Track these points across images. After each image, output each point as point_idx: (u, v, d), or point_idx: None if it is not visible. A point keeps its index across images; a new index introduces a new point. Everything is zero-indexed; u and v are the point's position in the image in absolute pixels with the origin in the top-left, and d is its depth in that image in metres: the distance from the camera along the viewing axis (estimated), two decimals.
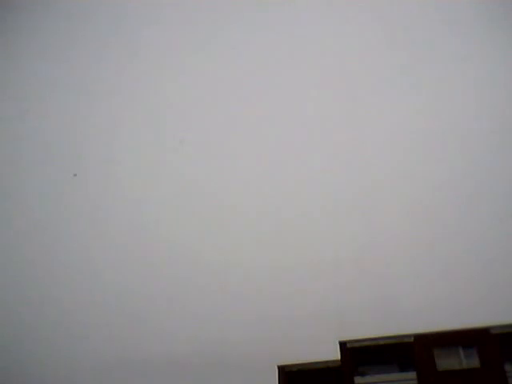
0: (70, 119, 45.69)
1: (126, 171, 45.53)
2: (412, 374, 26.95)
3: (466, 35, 44.26)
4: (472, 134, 42.28)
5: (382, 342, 27.87)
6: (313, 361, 28.55)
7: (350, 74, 44.78)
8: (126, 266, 40.17)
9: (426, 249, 38.11)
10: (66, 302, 37.69)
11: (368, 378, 27.53)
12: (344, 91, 45.00)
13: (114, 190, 44.71)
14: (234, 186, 44.26)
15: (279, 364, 28.58)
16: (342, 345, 27.93)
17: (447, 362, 26.77)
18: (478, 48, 43.58)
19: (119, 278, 39.53)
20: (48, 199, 43.53)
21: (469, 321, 27.04)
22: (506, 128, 41.61)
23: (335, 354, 27.83)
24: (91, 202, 43.87)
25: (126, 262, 40.28)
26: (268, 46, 46.47)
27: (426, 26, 45.36)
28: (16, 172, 43.82)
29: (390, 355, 27.95)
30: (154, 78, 46.79)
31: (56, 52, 45.17)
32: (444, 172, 42.71)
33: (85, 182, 43.56)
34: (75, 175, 42.45)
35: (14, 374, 32.40)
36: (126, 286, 38.85)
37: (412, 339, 27.45)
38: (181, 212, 43.70)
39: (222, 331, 35.09)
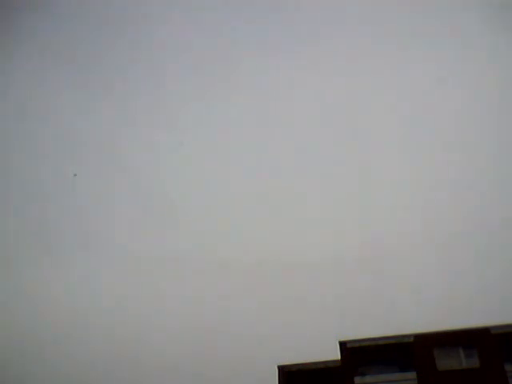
0: (70, 119, 45.72)
1: (126, 171, 45.56)
2: (412, 374, 26.86)
3: (467, 35, 44.32)
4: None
5: (381, 342, 27.77)
6: (313, 361, 28.49)
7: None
8: (126, 265, 40.21)
9: (427, 249, 38.16)
10: (65, 302, 37.75)
11: (368, 378, 27.44)
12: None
13: (113, 189, 44.73)
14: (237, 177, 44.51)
15: (279, 364, 28.51)
16: (342, 345, 27.84)
17: (447, 362, 26.69)
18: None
19: (119, 277, 39.59)
20: (48, 199, 43.53)
21: (469, 321, 27.01)
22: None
23: (335, 354, 27.77)
24: (91, 201, 43.89)
25: (126, 262, 40.31)
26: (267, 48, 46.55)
27: (427, 27, 45.44)
28: (16, 172, 43.82)
29: (389, 355, 27.84)
30: (155, 78, 46.83)
31: (56, 52, 45.21)
32: (446, 173, 42.77)
33: (85, 182, 43.59)
34: (75, 175, 42.48)
35: None
36: (126, 285, 38.92)
37: (412, 339, 27.36)
38: (181, 210, 43.76)
39: (221, 331, 35.09)
